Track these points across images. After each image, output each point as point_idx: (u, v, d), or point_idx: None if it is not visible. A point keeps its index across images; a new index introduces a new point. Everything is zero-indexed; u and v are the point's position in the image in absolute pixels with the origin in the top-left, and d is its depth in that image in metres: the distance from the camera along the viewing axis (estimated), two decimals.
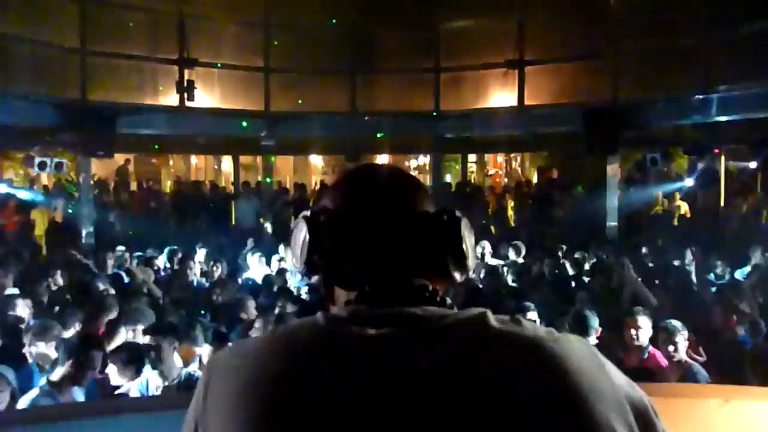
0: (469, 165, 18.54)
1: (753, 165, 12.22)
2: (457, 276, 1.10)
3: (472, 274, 1.23)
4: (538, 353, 0.93)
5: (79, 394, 3.68)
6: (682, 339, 4.12)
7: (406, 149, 19.25)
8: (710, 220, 12.20)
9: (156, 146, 16.35)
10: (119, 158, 15.55)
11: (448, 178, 18.10)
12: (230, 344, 1.17)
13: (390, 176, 1.15)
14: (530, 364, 0.91)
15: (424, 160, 22.59)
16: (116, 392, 4.07)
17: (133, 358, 4.11)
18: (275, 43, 13.23)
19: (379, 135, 13.56)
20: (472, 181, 17.92)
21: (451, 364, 0.92)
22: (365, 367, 0.93)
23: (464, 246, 1.09)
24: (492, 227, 12.70)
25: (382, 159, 23.89)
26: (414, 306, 1.00)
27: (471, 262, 1.11)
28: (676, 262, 8.16)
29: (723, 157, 12.71)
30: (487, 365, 0.92)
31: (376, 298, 1.02)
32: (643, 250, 9.07)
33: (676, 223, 12.08)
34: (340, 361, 0.94)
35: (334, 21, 13.43)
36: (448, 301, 1.05)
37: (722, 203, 12.90)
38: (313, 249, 1.07)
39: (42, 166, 11.29)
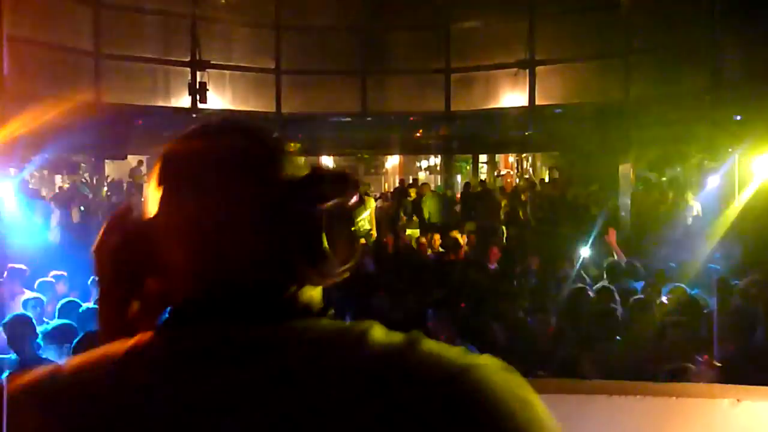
0: (480, 165, 18.50)
1: None
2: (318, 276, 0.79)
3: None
4: (448, 387, 0.67)
5: None
6: None
7: (416, 150, 19.24)
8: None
9: None
10: (132, 160, 15.65)
11: (458, 178, 18.07)
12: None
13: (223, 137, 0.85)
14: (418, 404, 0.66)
15: (435, 160, 22.56)
16: None
17: None
18: (286, 43, 13.28)
19: (390, 135, 13.59)
20: (487, 181, 17.87)
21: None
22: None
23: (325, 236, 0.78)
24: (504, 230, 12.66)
25: (393, 159, 23.92)
26: (263, 321, 0.75)
27: (338, 260, 0.79)
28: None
29: (737, 157, 12.60)
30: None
31: (203, 312, 0.76)
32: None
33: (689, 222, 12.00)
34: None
35: (345, 22, 13.47)
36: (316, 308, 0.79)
37: (736, 203, 12.79)
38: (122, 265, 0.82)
39: (56, 167, 11.42)
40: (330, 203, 0.79)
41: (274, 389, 0.69)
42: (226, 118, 0.91)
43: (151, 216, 0.82)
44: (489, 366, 0.70)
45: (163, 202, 0.81)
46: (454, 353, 0.71)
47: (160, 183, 0.83)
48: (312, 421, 0.67)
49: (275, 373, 0.70)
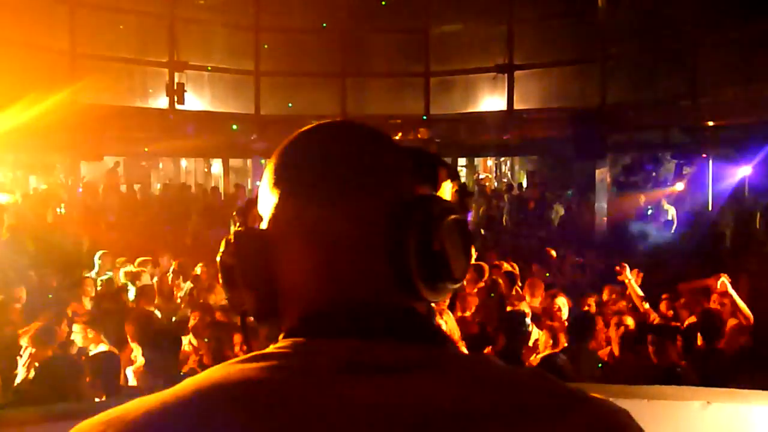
0: (458, 169, 18.58)
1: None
2: (432, 296, 0.78)
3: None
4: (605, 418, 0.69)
5: None
6: None
7: None
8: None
9: (146, 149, 16.27)
10: (108, 161, 15.47)
11: None
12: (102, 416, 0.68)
13: (342, 146, 0.81)
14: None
15: None
16: None
17: None
18: (265, 46, 13.23)
19: None
20: (467, 186, 17.90)
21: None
22: None
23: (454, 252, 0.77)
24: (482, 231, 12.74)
25: None
26: (407, 340, 0.72)
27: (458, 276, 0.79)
28: None
29: (711, 162, 12.80)
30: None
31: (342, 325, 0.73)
32: None
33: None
34: None
35: (324, 24, 13.45)
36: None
37: (710, 208, 12.99)
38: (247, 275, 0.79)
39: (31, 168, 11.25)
40: (449, 218, 0.78)
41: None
42: (347, 119, 0.88)
43: (267, 223, 0.80)
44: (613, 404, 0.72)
45: (279, 208, 0.79)
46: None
47: (276, 185, 0.81)
48: None
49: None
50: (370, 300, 0.74)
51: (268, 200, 0.80)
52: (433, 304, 0.82)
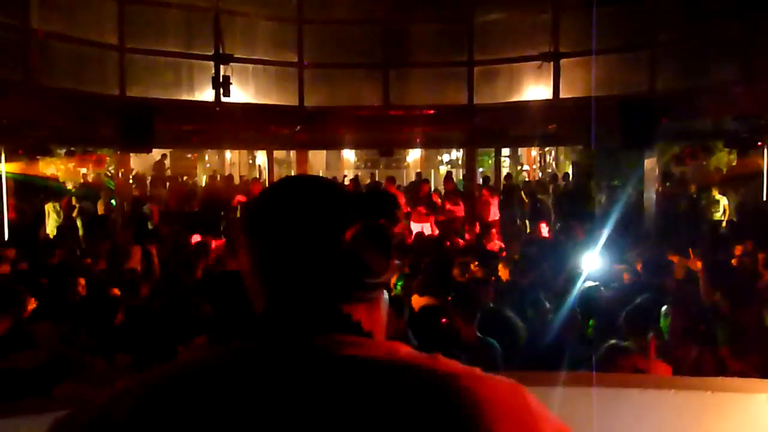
0: (502, 159, 18.41)
1: None
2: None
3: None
4: (447, 398, 0.79)
5: None
6: None
7: (439, 143, 19.19)
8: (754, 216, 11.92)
9: (192, 141, 16.58)
10: (156, 153, 15.80)
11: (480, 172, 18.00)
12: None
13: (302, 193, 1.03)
14: (434, 414, 0.77)
15: (457, 154, 22.49)
16: None
17: None
18: (309, 37, 13.29)
19: (412, 128, 13.54)
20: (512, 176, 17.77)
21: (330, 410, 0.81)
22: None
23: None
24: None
25: (415, 153, 23.87)
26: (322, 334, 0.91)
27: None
28: None
29: (766, 151, 12.39)
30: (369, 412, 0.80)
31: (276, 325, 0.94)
32: None
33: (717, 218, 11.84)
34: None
35: (366, 15, 13.44)
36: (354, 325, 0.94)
37: (765, 198, 12.60)
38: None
39: (82, 161, 11.57)
40: (368, 225, 0.97)
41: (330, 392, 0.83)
42: (299, 178, 1.08)
43: (243, 261, 1.03)
44: (501, 379, 0.84)
45: (245, 248, 1.02)
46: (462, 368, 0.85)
47: (244, 232, 1.03)
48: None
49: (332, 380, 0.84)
50: (304, 304, 0.95)
51: (242, 242, 1.03)
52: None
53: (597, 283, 5.85)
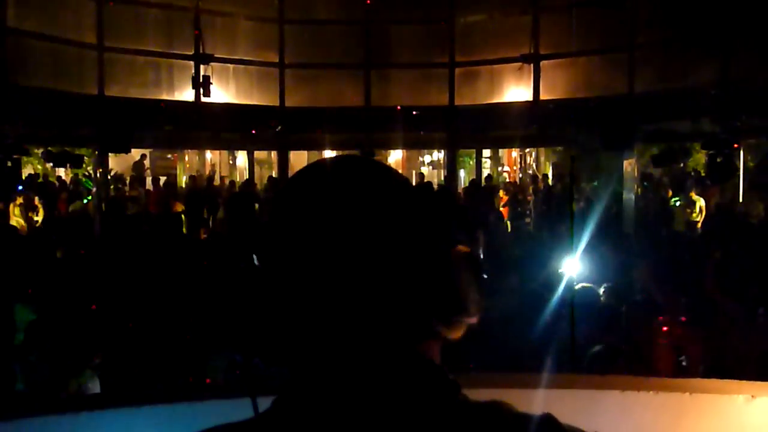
0: (483, 160, 18.47)
1: None
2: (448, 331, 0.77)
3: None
4: None
5: None
6: None
7: (420, 144, 19.20)
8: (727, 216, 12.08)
9: (172, 141, 16.43)
10: (135, 153, 15.64)
11: (462, 173, 18.05)
12: None
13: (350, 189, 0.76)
14: None
15: (439, 155, 22.53)
16: None
17: None
18: (290, 37, 13.25)
19: (393, 129, 13.53)
20: (491, 178, 17.81)
21: None
22: None
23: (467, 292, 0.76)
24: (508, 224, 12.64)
25: (396, 154, 23.88)
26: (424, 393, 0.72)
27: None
28: None
29: (742, 153, 12.57)
30: None
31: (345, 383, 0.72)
32: None
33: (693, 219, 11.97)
34: None
35: (348, 15, 13.43)
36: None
37: (740, 199, 12.78)
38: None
39: (60, 161, 11.41)
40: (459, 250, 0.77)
41: None
42: (342, 157, 0.82)
43: (271, 268, 0.76)
44: None
45: (283, 255, 0.75)
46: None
47: (279, 226, 0.77)
48: None
49: None
50: (378, 341, 0.73)
51: (273, 248, 0.77)
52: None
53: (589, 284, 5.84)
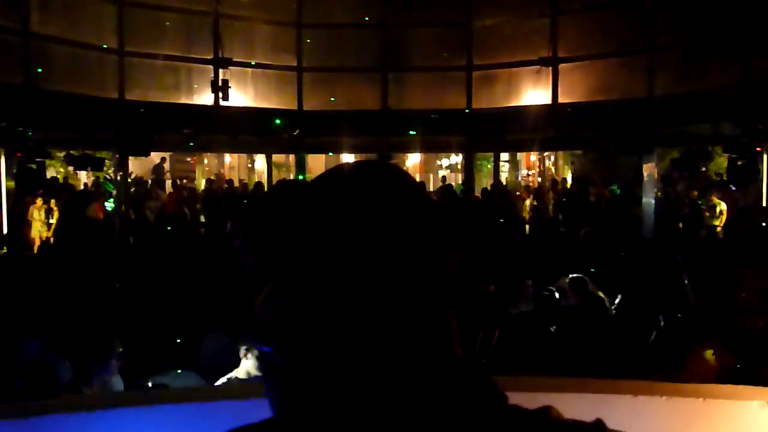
0: (501, 164, 18.41)
1: None
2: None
3: None
4: None
5: None
6: None
7: (438, 148, 19.18)
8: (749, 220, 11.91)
9: (191, 144, 16.56)
10: (155, 157, 15.80)
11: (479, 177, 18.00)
12: None
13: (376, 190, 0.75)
14: None
15: (456, 159, 22.49)
16: None
17: None
18: (308, 41, 13.31)
19: (411, 133, 13.53)
20: (509, 180, 17.77)
21: None
22: None
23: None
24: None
25: (414, 158, 23.88)
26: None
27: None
28: None
29: (765, 156, 12.38)
30: None
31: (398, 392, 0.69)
32: None
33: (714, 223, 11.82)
34: None
35: (366, 19, 13.46)
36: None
37: (764, 203, 12.58)
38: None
39: (82, 164, 11.56)
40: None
41: None
42: (359, 164, 0.80)
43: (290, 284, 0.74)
44: None
45: (299, 266, 0.73)
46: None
47: (295, 239, 0.75)
48: None
49: None
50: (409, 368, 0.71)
51: (288, 254, 0.75)
52: None
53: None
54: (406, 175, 0.79)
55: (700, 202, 12.53)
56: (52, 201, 11.64)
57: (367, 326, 0.71)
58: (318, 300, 0.72)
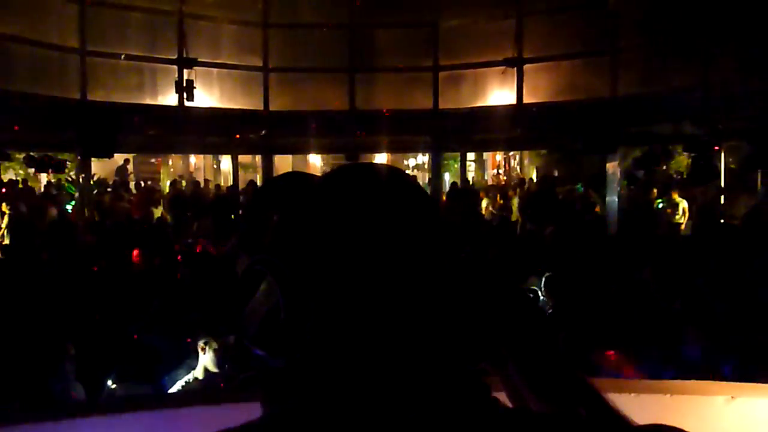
0: (468, 164, 18.53)
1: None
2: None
3: None
4: None
5: None
6: None
7: (405, 148, 19.22)
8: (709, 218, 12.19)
9: (156, 145, 16.32)
10: (119, 158, 15.53)
11: (446, 177, 18.09)
12: None
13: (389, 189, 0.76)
14: None
15: (423, 158, 22.56)
16: None
17: None
18: (273, 42, 13.22)
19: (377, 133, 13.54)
20: (475, 179, 17.90)
21: None
22: None
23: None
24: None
25: (381, 158, 23.88)
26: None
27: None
28: None
29: (723, 154, 12.70)
30: None
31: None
32: None
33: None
34: None
35: (332, 19, 13.42)
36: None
37: (722, 201, 12.90)
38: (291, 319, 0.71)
39: (42, 166, 11.31)
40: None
41: None
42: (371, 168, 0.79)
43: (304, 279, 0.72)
44: None
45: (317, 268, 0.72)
46: None
47: (309, 242, 0.73)
48: None
49: None
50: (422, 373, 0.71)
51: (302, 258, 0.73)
52: None
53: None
54: (415, 180, 0.81)
55: (662, 200, 12.78)
56: (3, 204, 11.37)
57: (373, 328, 0.71)
58: (325, 301, 0.71)
